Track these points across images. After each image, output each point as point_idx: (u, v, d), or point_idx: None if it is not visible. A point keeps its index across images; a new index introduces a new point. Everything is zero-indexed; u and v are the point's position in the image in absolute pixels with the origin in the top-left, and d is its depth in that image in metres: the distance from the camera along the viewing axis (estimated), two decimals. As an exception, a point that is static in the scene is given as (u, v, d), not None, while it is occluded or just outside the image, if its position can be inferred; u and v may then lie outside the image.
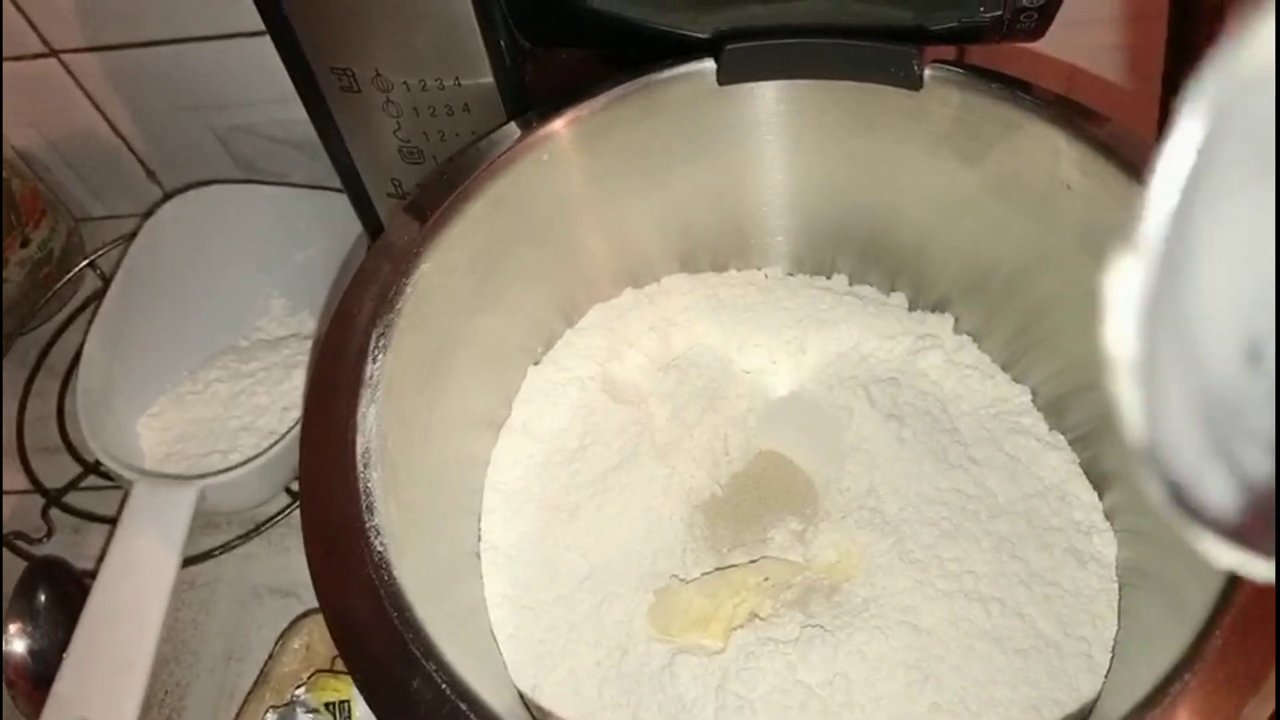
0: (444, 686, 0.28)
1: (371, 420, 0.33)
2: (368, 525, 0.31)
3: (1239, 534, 0.12)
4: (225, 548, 0.53)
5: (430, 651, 0.29)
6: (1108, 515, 0.42)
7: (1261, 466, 0.12)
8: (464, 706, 0.27)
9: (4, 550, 0.55)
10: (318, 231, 0.59)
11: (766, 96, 0.41)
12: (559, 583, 0.42)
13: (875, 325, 0.46)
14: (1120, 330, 0.12)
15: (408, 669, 0.28)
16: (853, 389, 0.45)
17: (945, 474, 0.42)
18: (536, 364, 0.47)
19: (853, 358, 0.46)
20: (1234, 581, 0.29)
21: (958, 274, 0.46)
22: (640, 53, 0.40)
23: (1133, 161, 0.36)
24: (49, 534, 0.55)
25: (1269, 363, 0.12)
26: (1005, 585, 0.40)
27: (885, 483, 0.42)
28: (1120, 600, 0.40)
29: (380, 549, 0.30)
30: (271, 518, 0.54)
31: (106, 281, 0.62)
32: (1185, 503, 0.12)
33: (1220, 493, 0.12)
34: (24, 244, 0.61)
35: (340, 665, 0.45)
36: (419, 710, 0.28)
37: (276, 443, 0.49)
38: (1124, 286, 0.12)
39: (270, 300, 0.60)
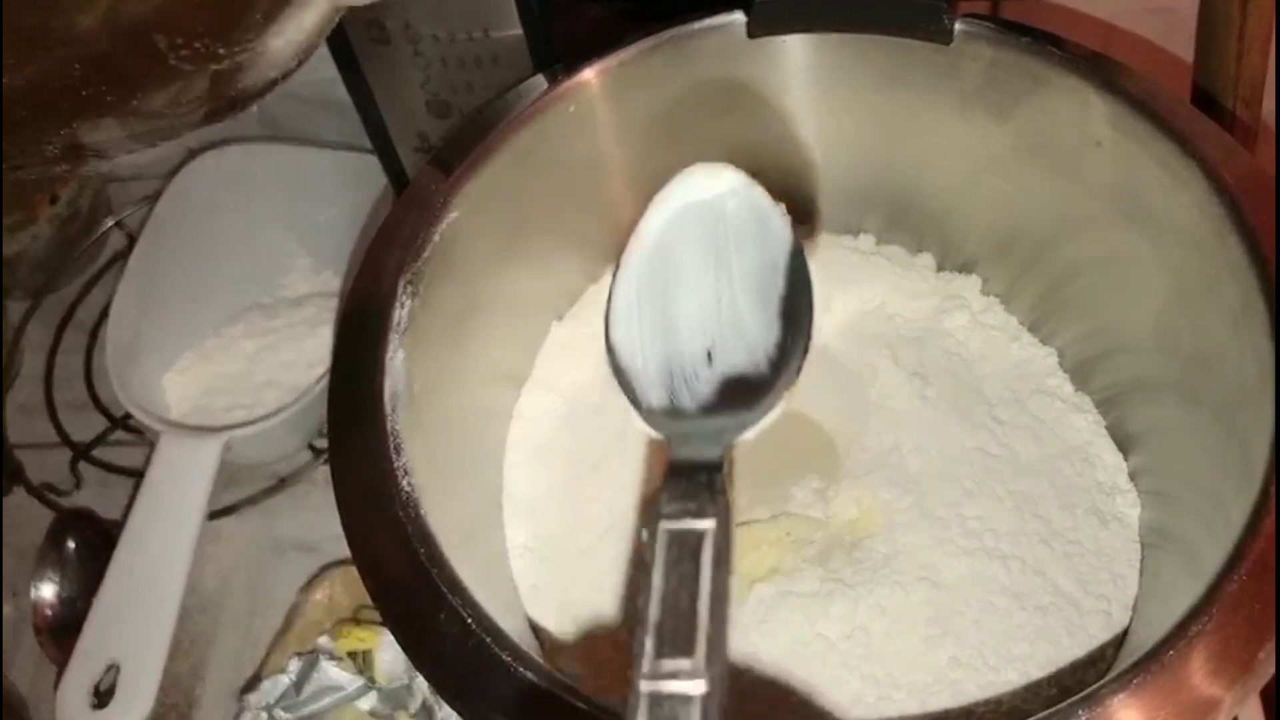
0: (469, 620, 0.28)
1: (399, 364, 0.33)
2: (395, 465, 0.31)
3: (652, 420, 0.19)
4: (250, 501, 0.54)
5: (456, 586, 0.29)
6: (1132, 477, 0.42)
7: (689, 403, 0.19)
8: (489, 639, 0.28)
9: (34, 501, 0.55)
10: (342, 191, 0.59)
11: (796, 51, 0.41)
12: (580, 535, 0.42)
13: (902, 285, 0.46)
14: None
15: (433, 603, 0.29)
16: (878, 347, 0.45)
17: (969, 433, 0.42)
18: (560, 319, 0.47)
19: (878, 316, 0.46)
20: (1249, 535, 0.29)
21: (986, 235, 0.45)
22: (669, 5, 0.40)
23: (1164, 118, 0.36)
24: (77, 486, 0.56)
25: (719, 363, 0.19)
26: (1026, 543, 0.40)
27: (908, 441, 0.42)
28: (1141, 560, 0.40)
29: (408, 488, 0.31)
30: (294, 473, 0.54)
31: (132, 239, 0.63)
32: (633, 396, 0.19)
33: (656, 399, 0.19)
34: (53, 201, 0.62)
35: (364, 615, 0.45)
36: (445, 643, 0.28)
37: (302, 396, 0.49)
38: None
39: (295, 258, 0.60)
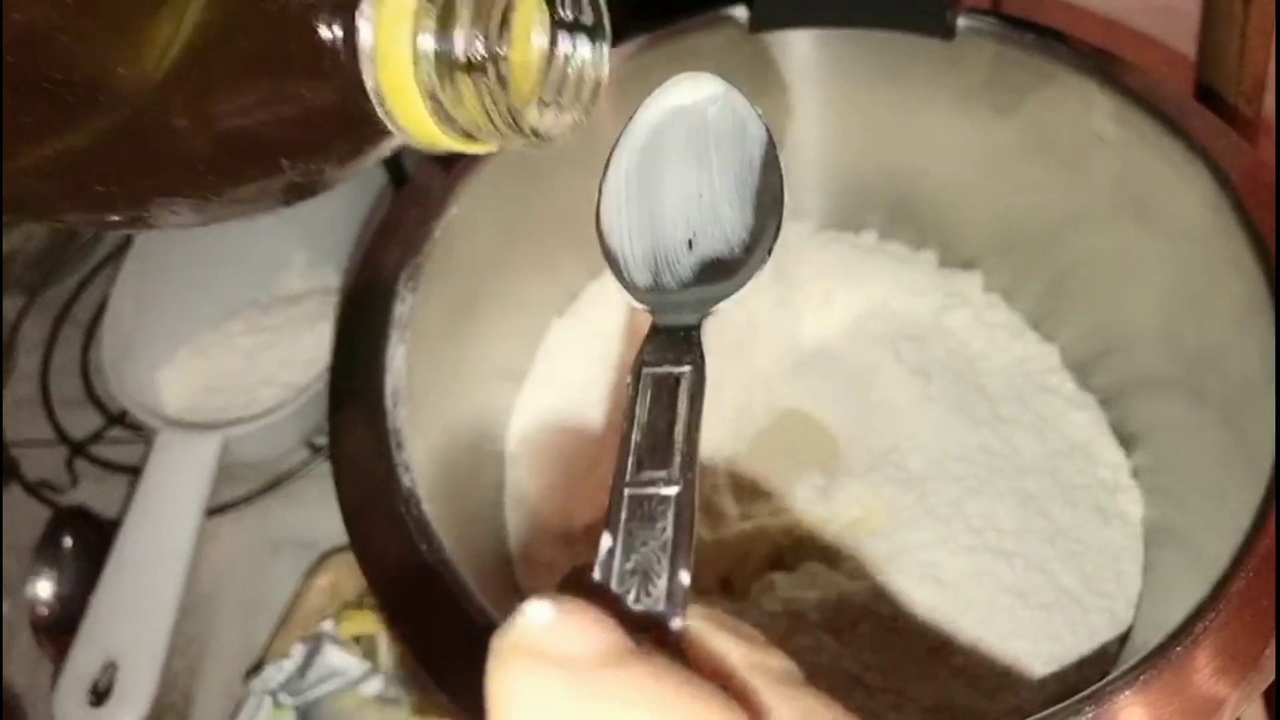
0: (471, 615, 0.28)
1: (400, 360, 0.33)
2: (396, 461, 0.31)
3: (637, 295, 0.21)
4: (246, 499, 0.54)
5: (457, 582, 0.29)
6: (1134, 474, 0.41)
7: (672, 282, 0.21)
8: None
9: (30, 498, 0.55)
10: (339, 188, 0.59)
11: (797, 45, 0.41)
12: (581, 531, 0.42)
13: (904, 281, 0.46)
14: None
15: (435, 598, 0.28)
16: (880, 345, 0.44)
17: (971, 431, 0.42)
18: (560, 316, 0.47)
19: (881, 314, 0.46)
20: (1254, 533, 0.29)
21: (988, 231, 0.45)
22: None
23: (1169, 113, 0.36)
24: (73, 483, 0.55)
25: (698, 249, 0.21)
26: (1030, 541, 0.40)
27: (910, 439, 0.42)
28: (1144, 558, 0.40)
29: (409, 484, 0.31)
30: (291, 471, 0.54)
31: (129, 236, 0.62)
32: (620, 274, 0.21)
33: (640, 279, 0.21)
34: (48, 197, 0.61)
35: (368, 601, 0.45)
36: (446, 639, 0.28)
37: (301, 394, 0.49)
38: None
39: (291, 255, 0.60)
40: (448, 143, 0.18)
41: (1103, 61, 0.37)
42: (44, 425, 0.58)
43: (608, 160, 0.22)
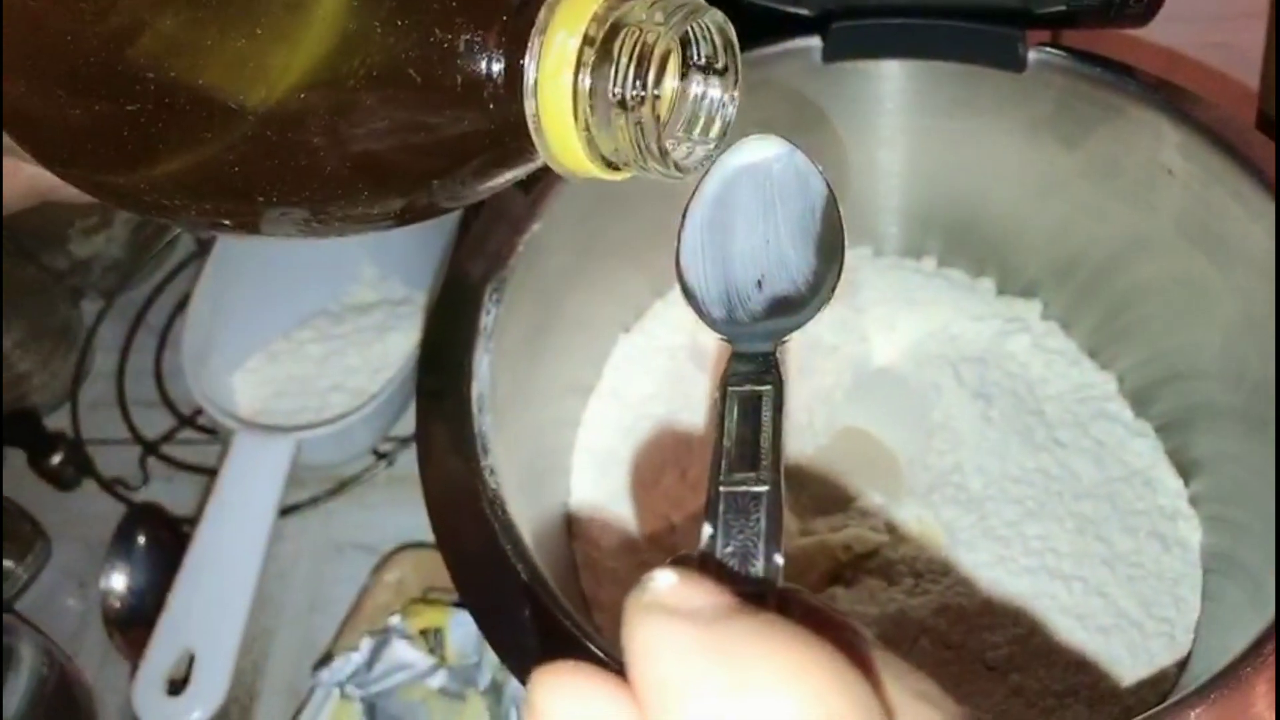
0: (558, 615, 0.29)
1: (485, 368, 0.35)
2: (483, 464, 0.32)
3: (715, 328, 0.23)
4: (312, 502, 0.55)
5: (541, 583, 0.30)
6: (1193, 502, 0.42)
7: (745, 317, 0.23)
8: (578, 633, 0.28)
9: (104, 495, 0.57)
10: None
11: (870, 76, 0.42)
12: (639, 546, 0.43)
13: (964, 307, 0.47)
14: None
15: (521, 599, 0.29)
16: (941, 367, 0.45)
17: (1031, 454, 0.43)
18: (627, 332, 0.48)
19: (941, 337, 0.47)
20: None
21: (1047, 259, 0.46)
22: (746, 27, 0.41)
23: (1237, 147, 0.36)
24: (145, 481, 0.57)
25: (767, 289, 0.23)
26: (1088, 565, 0.40)
27: (970, 460, 0.43)
28: (1204, 585, 0.40)
29: (495, 487, 0.32)
30: (357, 475, 0.56)
31: (202, 244, 0.64)
32: (699, 310, 0.23)
33: (716, 314, 0.23)
34: (128, 205, 0.64)
35: (433, 596, 0.46)
36: (530, 638, 0.29)
37: (373, 400, 0.51)
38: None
39: (361, 267, 0.62)
40: (593, 171, 0.20)
41: (1170, 95, 0.38)
42: (119, 425, 0.60)
43: (684, 211, 0.24)
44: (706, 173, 0.26)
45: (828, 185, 0.24)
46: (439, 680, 0.43)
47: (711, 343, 0.48)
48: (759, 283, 0.24)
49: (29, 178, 0.26)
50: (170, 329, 0.63)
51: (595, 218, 0.42)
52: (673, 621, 0.15)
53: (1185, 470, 0.42)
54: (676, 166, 0.21)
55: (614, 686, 0.15)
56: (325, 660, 0.46)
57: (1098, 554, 0.40)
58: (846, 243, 0.24)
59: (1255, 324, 0.37)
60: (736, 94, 0.22)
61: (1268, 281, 0.36)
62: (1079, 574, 0.39)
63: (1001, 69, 0.40)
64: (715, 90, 0.22)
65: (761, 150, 0.24)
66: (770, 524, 0.18)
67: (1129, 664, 0.38)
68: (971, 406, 0.44)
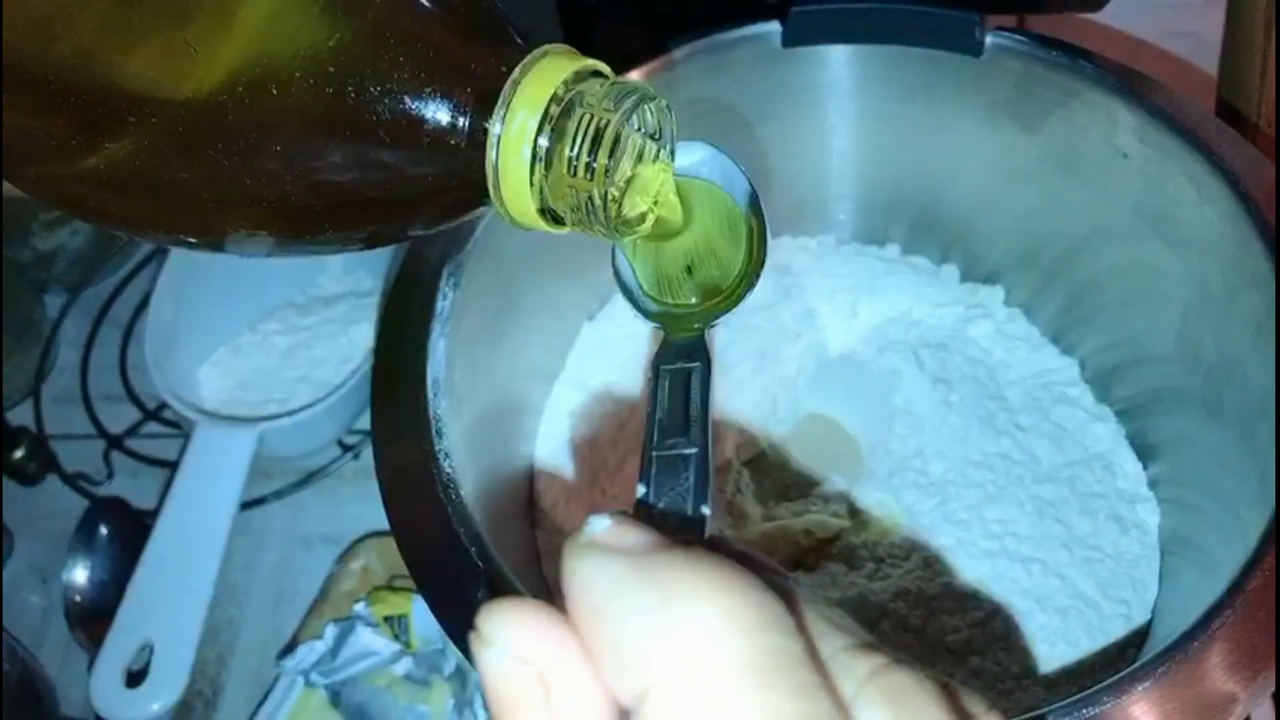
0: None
1: (441, 352, 0.34)
2: (437, 448, 0.32)
3: (649, 317, 0.26)
4: (278, 494, 0.55)
5: (495, 567, 0.30)
6: (1152, 485, 0.42)
7: (677, 299, 0.26)
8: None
9: (68, 490, 0.56)
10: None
11: (829, 61, 0.42)
12: (607, 531, 0.43)
13: (927, 293, 0.47)
14: None
15: (473, 581, 0.29)
16: (902, 353, 0.45)
17: (991, 439, 0.43)
18: (591, 320, 0.48)
19: (903, 323, 0.47)
20: (1266, 542, 0.30)
21: (1010, 246, 0.46)
22: (706, 14, 0.41)
23: (1192, 131, 0.37)
24: (110, 475, 0.57)
25: (697, 275, 0.25)
26: (1047, 548, 0.40)
27: (931, 445, 0.43)
28: (1161, 566, 0.40)
29: (450, 471, 0.32)
30: (323, 467, 0.55)
31: (169, 237, 0.64)
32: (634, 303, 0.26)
33: (648, 306, 0.26)
34: (92, 198, 0.63)
35: (398, 583, 0.46)
36: (483, 620, 0.29)
37: (336, 390, 0.50)
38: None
39: (328, 259, 0.61)
40: (540, 225, 0.21)
41: (1127, 79, 0.38)
42: (83, 419, 0.59)
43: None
44: None
45: (750, 184, 0.26)
46: (404, 667, 0.42)
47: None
48: (689, 269, 0.26)
49: None
50: (135, 323, 0.62)
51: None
52: (606, 555, 0.16)
53: (1144, 454, 0.43)
54: (617, 229, 0.22)
55: (556, 618, 0.16)
56: (290, 649, 0.45)
57: (1057, 536, 0.40)
58: (769, 238, 0.25)
59: (1209, 307, 0.38)
60: (671, 163, 0.24)
61: (1221, 265, 0.37)
62: (1038, 556, 0.40)
63: (960, 53, 0.40)
64: (651, 154, 0.23)
65: (689, 155, 0.25)
66: (699, 481, 0.20)
67: (1087, 645, 0.38)
68: (933, 392, 0.44)
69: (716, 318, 0.25)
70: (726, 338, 0.47)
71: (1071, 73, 0.39)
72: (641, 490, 0.20)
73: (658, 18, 0.44)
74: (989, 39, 0.40)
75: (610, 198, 0.21)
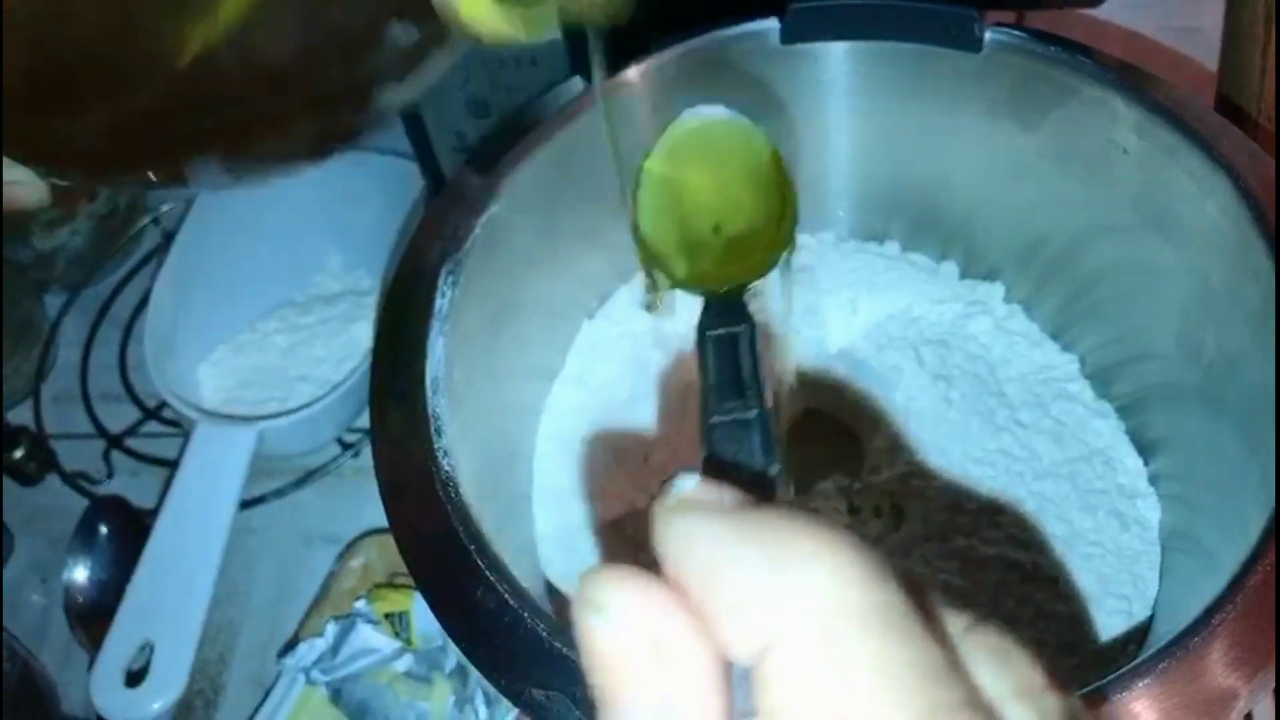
0: (507, 597, 0.29)
1: (440, 351, 0.34)
2: (436, 447, 0.32)
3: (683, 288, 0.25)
4: (278, 493, 0.55)
5: (494, 564, 0.30)
6: (1152, 481, 0.42)
7: (706, 262, 0.25)
8: (526, 615, 0.28)
9: (68, 489, 0.56)
10: (375, 193, 0.60)
11: (828, 57, 0.42)
12: (606, 531, 0.43)
13: (926, 290, 0.47)
14: None
15: (472, 580, 0.29)
16: (902, 350, 0.45)
17: (992, 435, 0.43)
18: (591, 318, 0.48)
19: (903, 320, 0.47)
20: (1267, 538, 0.29)
21: (1010, 242, 0.46)
22: (705, 10, 0.41)
23: (1191, 125, 0.37)
24: (110, 475, 0.57)
25: (724, 233, 0.25)
26: (1047, 544, 0.40)
27: (932, 442, 0.43)
28: (1162, 562, 0.40)
29: (448, 469, 0.32)
30: (323, 466, 0.55)
31: (168, 236, 0.64)
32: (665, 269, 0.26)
33: (679, 270, 0.26)
34: (92, 197, 0.63)
35: (399, 580, 0.46)
36: (482, 619, 0.29)
37: (336, 389, 0.50)
38: None
39: (328, 257, 0.61)
40: (493, 23, 0.21)
41: (1126, 74, 0.38)
42: (82, 418, 0.59)
43: (636, 177, 0.26)
44: (655, 145, 0.28)
45: (768, 142, 0.25)
46: (405, 664, 0.42)
47: (676, 328, 0.48)
48: (715, 228, 0.26)
49: None
50: (135, 322, 0.62)
51: (556, 200, 0.42)
52: (703, 515, 0.16)
53: (1145, 449, 0.43)
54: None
55: (658, 581, 0.16)
56: (290, 647, 0.45)
57: (1057, 533, 0.40)
58: (796, 194, 0.25)
59: (1209, 302, 0.38)
60: None
61: (1220, 261, 0.36)
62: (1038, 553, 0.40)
63: (959, 50, 0.40)
64: None
65: (705, 116, 0.26)
66: (765, 441, 0.20)
67: (1087, 641, 0.38)
68: (933, 389, 0.44)
69: (752, 280, 0.24)
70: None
71: (1071, 69, 0.39)
72: (703, 456, 0.20)
73: (655, 14, 0.44)
74: (988, 35, 0.39)
75: None
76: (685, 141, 0.26)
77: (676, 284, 0.25)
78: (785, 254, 0.24)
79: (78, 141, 0.21)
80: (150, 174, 0.22)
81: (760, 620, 0.15)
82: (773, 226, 0.25)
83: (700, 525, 0.16)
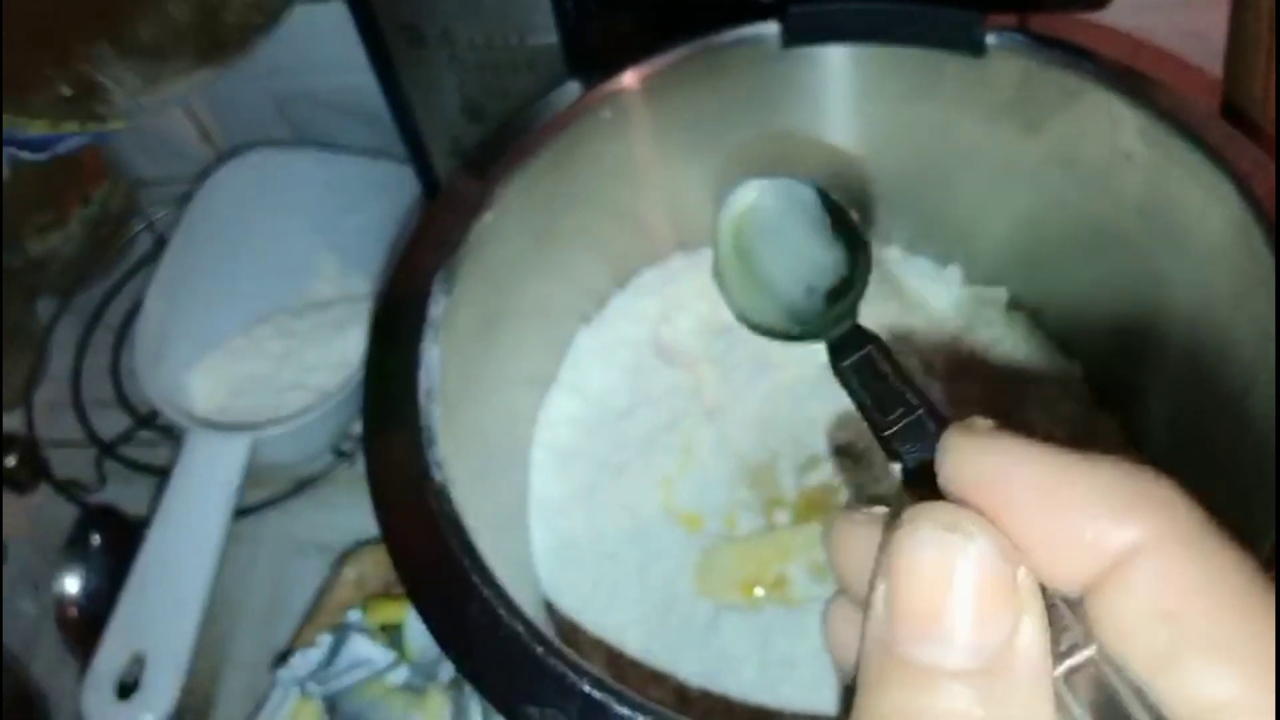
0: (500, 611, 0.28)
1: (433, 358, 0.34)
2: (429, 457, 0.31)
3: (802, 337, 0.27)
4: (271, 502, 0.54)
5: (487, 577, 0.29)
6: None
7: (811, 318, 0.26)
8: (521, 630, 0.28)
9: (59, 498, 0.56)
10: (370, 197, 0.60)
11: (829, 61, 0.42)
12: (605, 539, 0.42)
13: (929, 296, 0.47)
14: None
15: (465, 593, 0.29)
16: (906, 356, 0.45)
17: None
18: (587, 324, 0.47)
19: (906, 326, 0.46)
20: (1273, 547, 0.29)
21: (1013, 248, 0.46)
22: (704, 14, 0.41)
23: (1196, 131, 0.36)
24: (102, 483, 0.56)
25: (817, 291, 0.26)
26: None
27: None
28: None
29: (441, 480, 0.31)
30: (318, 475, 0.55)
31: (161, 242, 0.63)
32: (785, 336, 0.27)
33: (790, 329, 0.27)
34: (84, 202, 0.63)
35: (394, 591, 0.45)
36: (476, 633, 0.28)
37: (330, 398, 0.50)
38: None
39: (322, 263, 0.61)
40: None
41: (1130, 79, 0.38)
42: (74, 426, 0.59)
43: (715, 273, 0.28)
44: (715, 238, 0.30)
45: (812, 185, 0.27)
46: (400, 676, 0.42)
47: (675, 335, 0.48)
48: (808, 290, 0.27)
49: None
50: (128, 328, 0.62)
51: (551, 205, 0.41)
52: (1019, 441, 0.16)
53: (1149, 456, 0.42)
54: None
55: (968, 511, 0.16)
56: (284, 658, 0.45)
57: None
58: (854, 215, 0.27)
59: (1215, 310, 0.37)
60: None
61: (1227, 267, 0.36)
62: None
63: (960, 53, 0.39)
64: None
65: (747, 195, 0.28)
66: (940, 430, 0.19)
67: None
68: (936, 395, 0.43)
69: (854, 303, 0.26)
70: (724, 343, 0.46)
71: (1074, 72, 0.38)
72: (898, 468, 0.21)
73: (655, 18, 0.44)
74: (990, 39, 0.39)
75: None
76: (738, 228, 0.28)
77: (795, 340, 0.27)
78: (869, 272, 0.26)
79: None
80: (58, 80, 0.22)
81: (1122, 528, 0.15)
82: (854, 259, 0.27)
83: (1024, 447, 0.16)
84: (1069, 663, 0.16)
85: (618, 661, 0.39)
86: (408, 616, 0.43)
